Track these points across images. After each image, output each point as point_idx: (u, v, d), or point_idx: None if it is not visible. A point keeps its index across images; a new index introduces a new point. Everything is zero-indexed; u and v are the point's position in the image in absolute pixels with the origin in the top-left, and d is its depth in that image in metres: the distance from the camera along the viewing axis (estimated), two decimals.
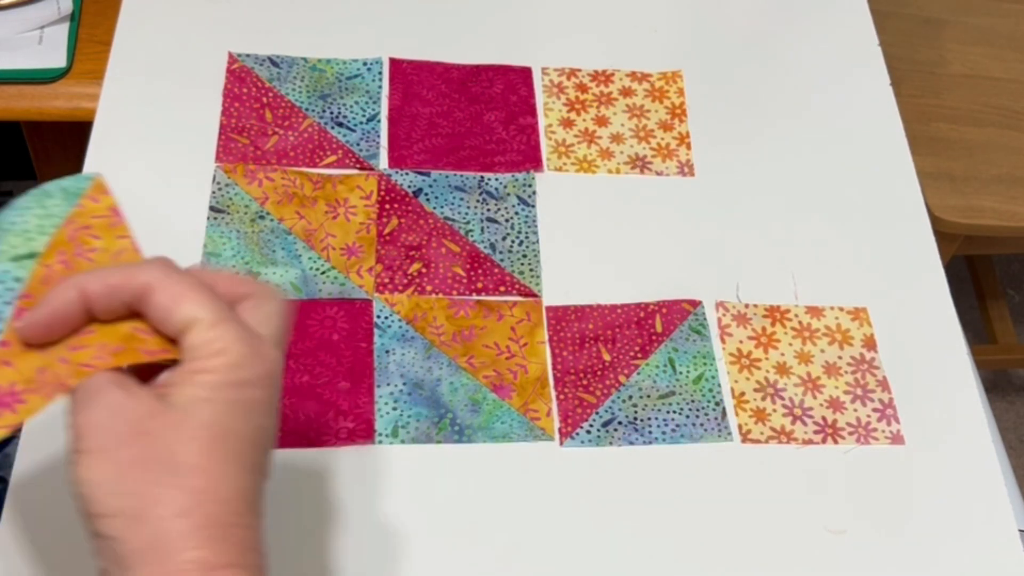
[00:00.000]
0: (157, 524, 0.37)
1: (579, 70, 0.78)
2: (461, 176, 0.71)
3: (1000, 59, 1.31)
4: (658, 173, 0.73)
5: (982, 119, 1.26)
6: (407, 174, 0.71)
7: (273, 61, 0.74)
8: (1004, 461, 0.65)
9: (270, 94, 0.73)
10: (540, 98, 0.76)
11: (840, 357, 0.66)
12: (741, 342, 0.66)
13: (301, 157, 0.70)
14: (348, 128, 0.72)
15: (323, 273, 0.65)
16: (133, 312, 0.41)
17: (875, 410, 0.65)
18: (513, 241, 0.68)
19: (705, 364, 0.65)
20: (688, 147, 0.75)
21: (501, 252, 0.68)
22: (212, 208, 0.67)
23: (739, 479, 0.61)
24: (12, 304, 0.42)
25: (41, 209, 0.45)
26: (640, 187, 0.73)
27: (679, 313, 0.67)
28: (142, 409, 0.39)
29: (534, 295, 0.66)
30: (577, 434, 0.61)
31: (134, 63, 0.73)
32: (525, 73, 0.77)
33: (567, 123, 0.75)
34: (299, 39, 0.76)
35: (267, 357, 0.41)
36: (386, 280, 0.66)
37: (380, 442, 0.60)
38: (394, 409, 0.61)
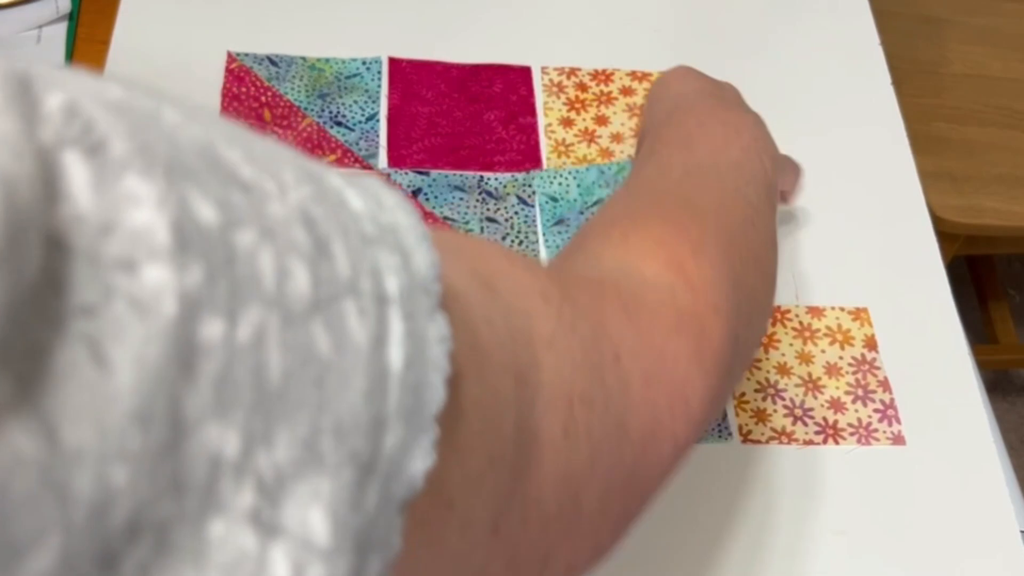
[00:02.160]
0: None
1: (579, 69, 0.78)
2: (461, 176, 0.71)
3: (1001, 59, 1.31)
4: None
5: (983, 119, 1.26)
6: (406, 174, 0.70)
7: (272, 60, 0.74)
8: (1005, 462, 0.65)
9: (269, 93, 0.72)
10: (540, 97, 0.76)
11: (841, 357, 0.66)
12: None
13: None
14: (347, 127, 0.72)
15: None
16: None
17: (876, 411, 0.64)
18: (512, 241, 0.68)
19: None
20: None
21: None
22: None
23: (739, 479, 0.61)
24: None
25: None
26: None
27: None
28: None
29: None
30: None
31: (133, 63, 0.72)
32: (525, 73, 0.77)
33: (567, 122, 0.75)
34: (298, 38, 0.76)
35: None
36: None
37: None
38: None
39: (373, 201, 0.22)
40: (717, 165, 0.46)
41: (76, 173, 0.15)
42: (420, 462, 0.20)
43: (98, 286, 0.15)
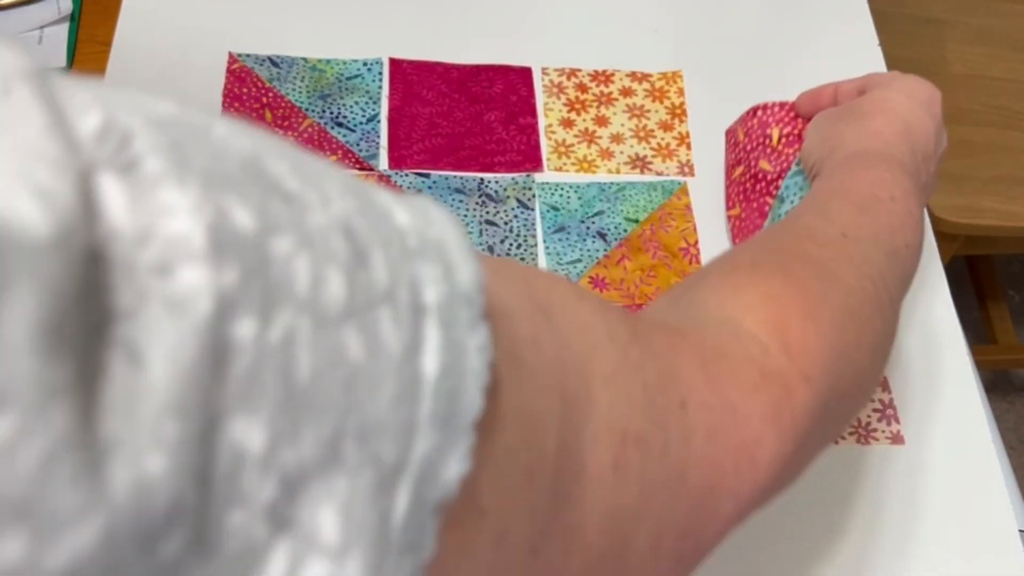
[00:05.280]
0: None
1: (579, 70, 0.78)
2: (461, 178, 0.71)
3: (1000, 59, 1.31)
4: (658, 173, 0.73)
5: (982, 119, 1.26)
6: (407, 175, 0.71)
7: (273, 61, 0.74)
8: (1004, 461, 0.65)
9: (270, 94, 0.73)
10: (540, 98, 0.76)
11: None
12: None
13: None
14: (348, 128, 0.72)
15: None
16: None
17: (875, 410, 0.65)
18: (511, 245, 0.68)
19: None
20: (688, 147, 0.75)
21: (499, 255, 0.68)
22: None
23: None
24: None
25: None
26: None
27: None
28: None
29: None
30: None
31: (134, 63, 0.73)
32: (525, 73, 0.77)
33: (567, 123, 0.75)
34: (299, 39, 0.76)
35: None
36: None
37: None
38: None
39: (420, 217, 0.23)
40: (878, 244, 0.44)
41: (110, 192, 0.16)
42: (455, 467, 0.21)
43: (134, 291, 0.16)
